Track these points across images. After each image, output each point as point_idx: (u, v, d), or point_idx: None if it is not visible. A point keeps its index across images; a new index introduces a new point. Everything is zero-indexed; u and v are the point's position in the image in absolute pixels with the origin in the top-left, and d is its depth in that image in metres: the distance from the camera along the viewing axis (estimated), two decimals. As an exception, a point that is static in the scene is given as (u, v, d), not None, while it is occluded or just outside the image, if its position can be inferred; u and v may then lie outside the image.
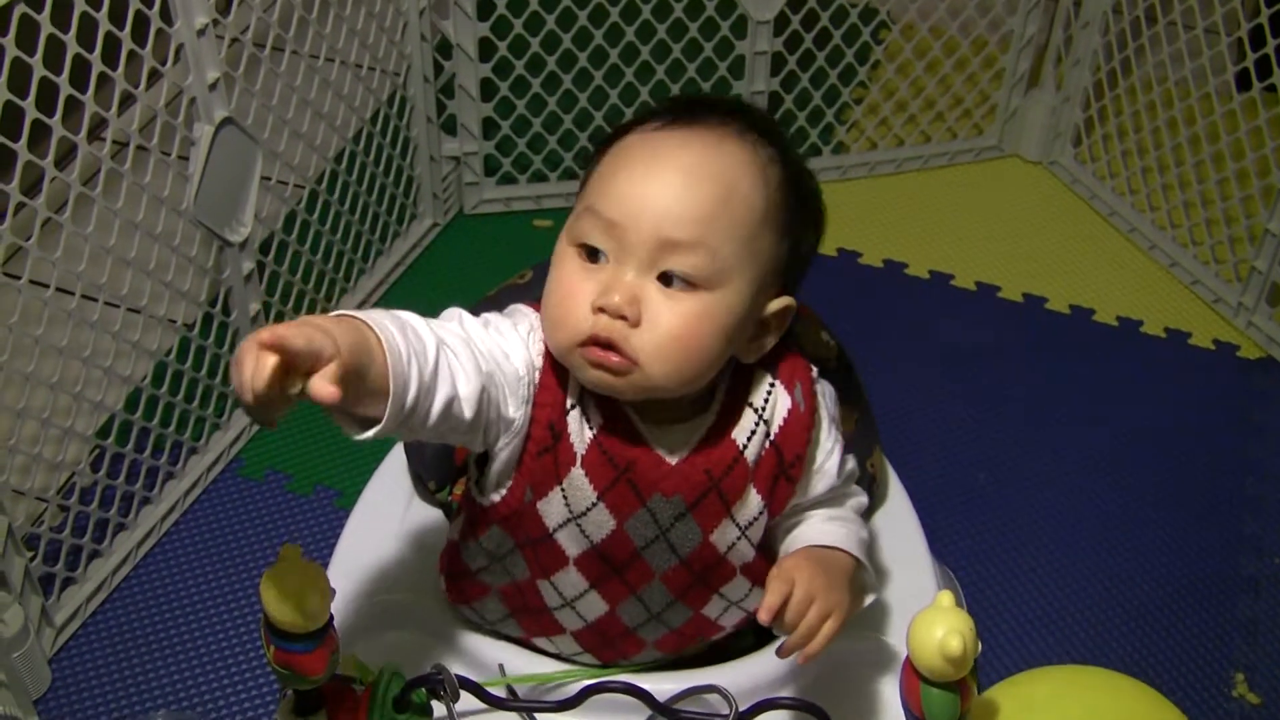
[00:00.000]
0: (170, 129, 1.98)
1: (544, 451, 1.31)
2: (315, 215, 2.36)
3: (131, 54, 1.86)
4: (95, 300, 1.94)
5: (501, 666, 1.39)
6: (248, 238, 2.14)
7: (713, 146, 1.27)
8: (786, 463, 1.35)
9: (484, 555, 1.40)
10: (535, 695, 1.39)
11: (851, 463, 1.42)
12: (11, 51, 1.66)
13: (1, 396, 1.82)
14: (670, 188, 1.24)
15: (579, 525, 1.34)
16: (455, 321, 1.29)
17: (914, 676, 1.18)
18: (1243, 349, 2.56)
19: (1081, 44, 2.79)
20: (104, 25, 1.80)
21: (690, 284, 1.24)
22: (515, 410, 1.30)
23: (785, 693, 1.36)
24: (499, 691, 1.36)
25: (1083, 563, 2.17)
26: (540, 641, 1.46)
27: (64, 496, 2.00)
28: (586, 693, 1.30)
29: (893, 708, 1.29)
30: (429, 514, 1.57)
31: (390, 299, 2.57)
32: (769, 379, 1.35)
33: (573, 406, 1.31)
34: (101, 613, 2.06)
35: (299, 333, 1.07)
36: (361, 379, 1.13)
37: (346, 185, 2.42)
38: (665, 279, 1.24)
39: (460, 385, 1.22)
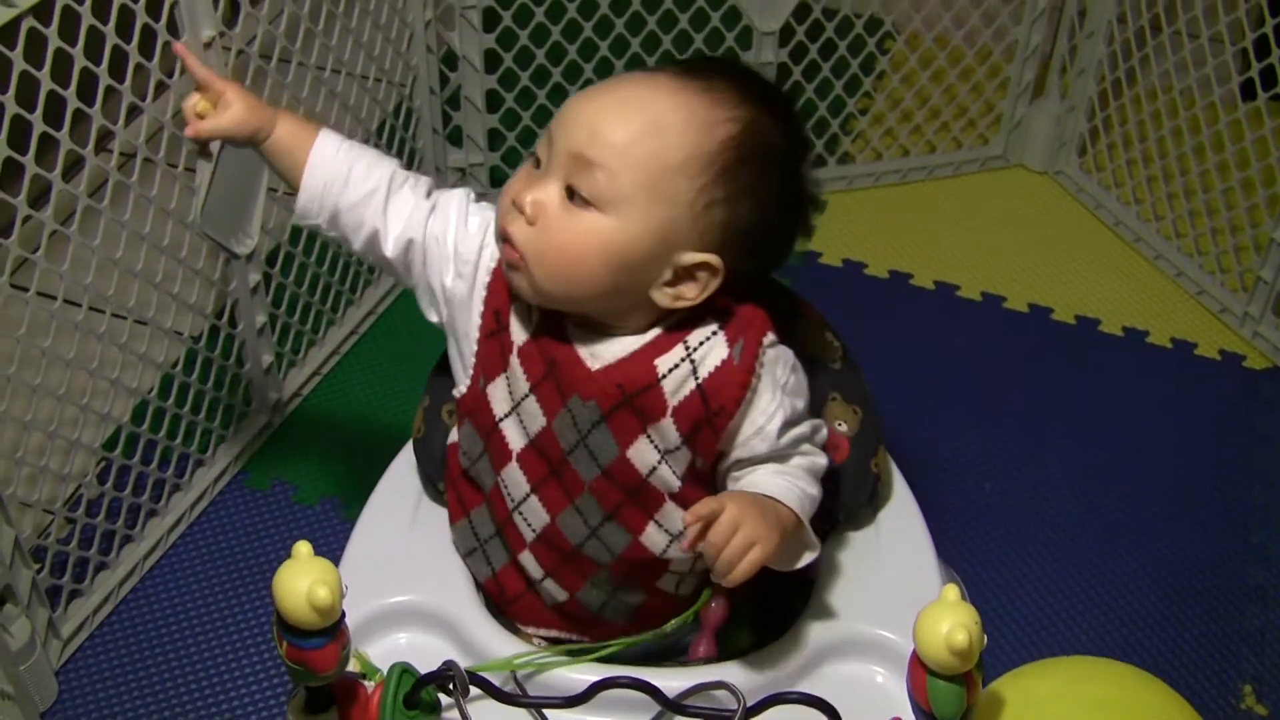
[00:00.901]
0: (177, 141, 1.98)
1: (491, 335, 1.43)
2: (322, 226, 2.36)
3: (138, 67, 1.86)
4: (102, 312, 1.94)
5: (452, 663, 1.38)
6: (254, 250, 2.14)
7: (668, 91, 1.33)
8: (711, 410, 1.37)
9: (466, 458, 1.50)
10: (545, 691, 1.39)
11: (800, 429, 1.41)
12: (20, 65, 1.66)
13: (9, 408, 1.82)
14: (600, 110, 1.32)
15: (518, 414, 1.42)
16: (432, 190, 1.49)
17: (921, 670, 1.19)
18: (1249, 359, 2.56)
19: (1086, 53, 2.79)
20: (111, 38, 1.80)
21: (587, 202, 1.31)
22: (453, 281, 1.44)
23: (793, 688, 1.36)
24: (509, 688, 1.37)
25: (1089, 573, 2.17)
26: (524, 560, 1.49)
27: (71, 508, 2.00)
28: (596, 688, 1.30)
29: (900, 702, 1.30)
30: (438, 515, 1.57)
31: (396, 310, 2.57)
32: (713, 328, 1.38)
33: (516, 298, 1.41)
34: (108, 625, 2.06)
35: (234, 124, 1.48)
36: (276, 160, 1.49)
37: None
38: (570, 191, 1.32)
39: (388, 226, 1.45)
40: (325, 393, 2.44)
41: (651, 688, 1.29)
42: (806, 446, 1.43)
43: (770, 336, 1.39)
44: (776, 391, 1.39)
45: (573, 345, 1.39)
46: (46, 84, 1.71)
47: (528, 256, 1.33)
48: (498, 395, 1.43)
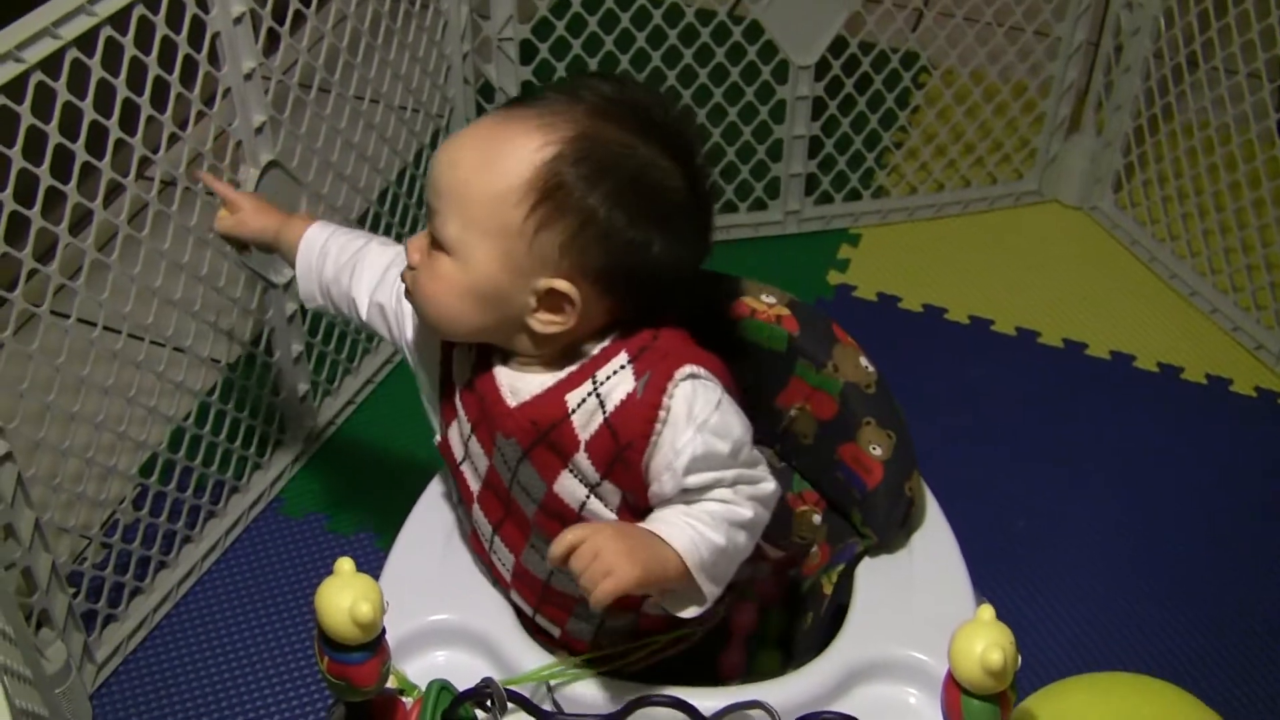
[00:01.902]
0: (217, 173, 2.00)
1: (443, 382, 1.47)
2: (358, 256, 2.37)
3: (179, 97, 1.88)
4: (141, 339, 1.96)
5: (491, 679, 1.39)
6: (291, 279, 2.15)
7: (500, 124, 1.35)
8: (621, 444, 1.36)
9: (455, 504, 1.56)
10: (581, 708, 1.40)
11: (715, 474, 1.36)
12: (63, 95, 1.68)
13: (47, 434, 1.83)
14: (441, 157, 1.36)
15: (470, 457, 1.46)
16: (399, 256, 1.52)
17: (955, 689, 1.19)
18: (1285, 396, 2.55)
19: (1122, 89, 2.79)
20: (153, 69, 1.82)
21: (439, 246, 1.35)
22: (414, 335, 1.50)
23: (827, 708, 1.36)
24: (546, 705, 1.37)
25: (1121, 609, 2.17)
26: (514, 598, 1.51)
27: (106, 534, 2.02)
28: (631, 706, 1.31)
29: (933, 720, 1.30)
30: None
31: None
32: (623, 360, 1.37)
33: (459, 344, 1.45)
34: (142, 650, 2.07)
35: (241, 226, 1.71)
36: (285, 255, 1.66)
37: (390, 227, 2.44)
38: (432, 239, 1.37)
39: (360, 293, 1.55)
40: (360, 422, 2.45)
41: (688, 706, 1.30)
42: (724, 493, 1.37)
43: (687, 369, 1.36)
44: (689, 427, 1.34)
45: (496, 383, 1.41)
46: (90, 113, 1.73)
47: (414, 298, 1.40)
48: (454, 439, 1.48)
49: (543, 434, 1.38)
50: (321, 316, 2.32)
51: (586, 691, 1.42)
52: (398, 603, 1.28)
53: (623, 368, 1.36)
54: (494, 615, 1.51)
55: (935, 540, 1.60)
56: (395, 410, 2.46)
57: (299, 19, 2.07)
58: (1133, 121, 2.81)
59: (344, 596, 1.17)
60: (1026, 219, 2.96)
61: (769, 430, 1.64)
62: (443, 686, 1.32)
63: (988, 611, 1.18)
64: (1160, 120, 2.78)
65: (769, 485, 1.41)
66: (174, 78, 1.86)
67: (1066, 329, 2.67)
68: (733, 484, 1.37)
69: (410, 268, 1.39)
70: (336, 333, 2.38)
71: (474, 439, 1.44)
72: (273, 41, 2.02)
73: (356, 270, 1.56)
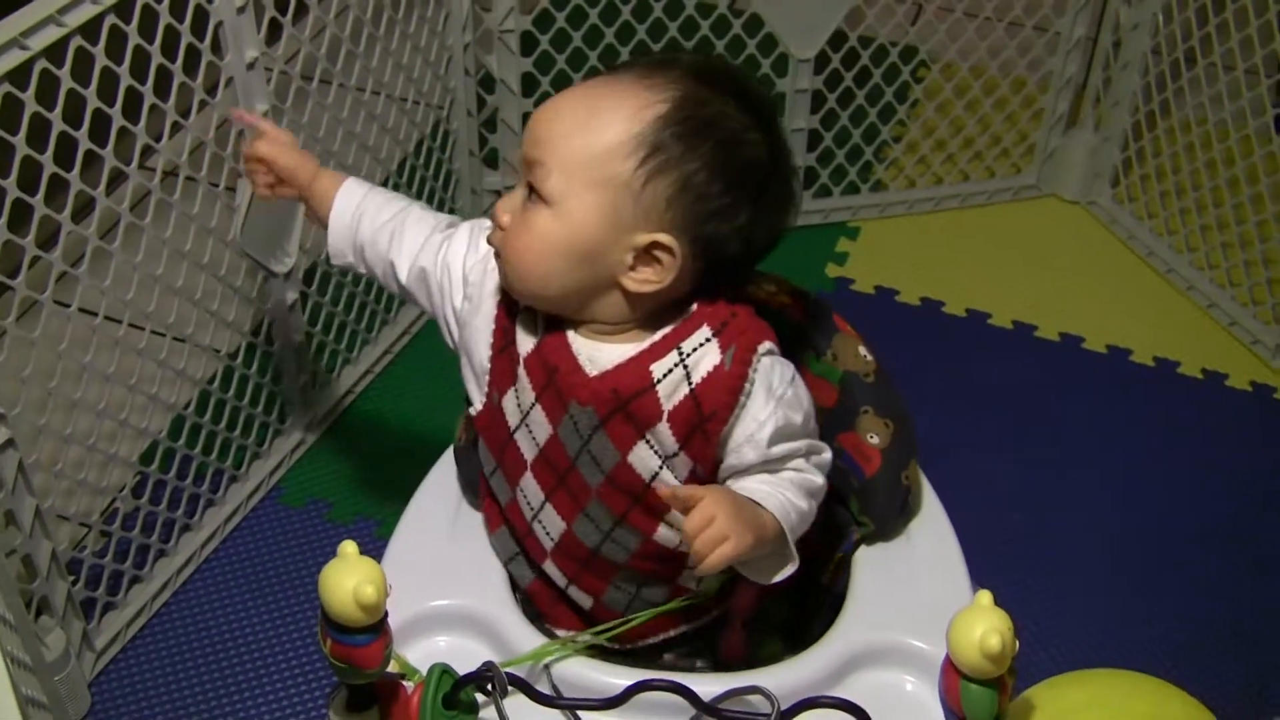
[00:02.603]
0: (218, 160, 2.01)
1: (502, 350, 1.46)
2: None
3: (182, 86, 1.89)
4: (142, 328, 1.96)
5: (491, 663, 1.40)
6: (292, 268, 2.16)
7: (605, 83, 1.39)
8: (704, 414, 1.38)
9: (485, 474, 1.55)
10: (581, 692, 1.40)
11: (794, 445, 1.43)
12: (67, 83, 1.68)
13: (48, 421, 1.84)
14: (544, 113, 1.38)
15: (527, 425, 1.45)
16: (453, 224, 1.54)
17: (954, 674, 1.20)
18: (1280, 391, 2.56)
19: (1121, 85, 2.80)
20: (156, 57, 1.83)
21: (540, 199, 1.36)
22: (462, 303, 1.49)
23: (826, 694, 1.37)
24: (546, 689, 1.38)
25: (1117, 603, 2.17)
26: (548, 569, 1.52)
27: (106, 522, 2.02)
28: (632, 691, 1.32)
29: (930, 710, 1.31)
30: (476, 520, 1.59)
31: (429, 330, 2.58)
32: (707, 334, 1.40)
33: (525, 309, 1.45)
34: (141, 638, 2.07)
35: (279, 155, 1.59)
36: (313, 203, 1.60)
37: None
38: (530, 192, 1.37)
39: (402, 256, 1.53)
40: (360, 411, 2.45)
41: (687, 690, 1.31)
42: (800, 463, 1.44)
43: (766, 345, 1.41)
44: (770, 400, 1.40)
45: (573, 352, 1.41)
46: (93, 101, 1.74)
47: (503, 259, 1.40)
48: (510, 408, 1.47)
49: (623, 403, 1.39)
50: (322, 307, 2.32)
51: (587, 676, 1.43)
52: (399, 588, 1.28)
53: (708, 340, 1.39)
54: (496, 600, 1.52)
55: (933, 528, 1.62)
56: (395, 399, 2.47)
57: (301, 9, 2.08)
58: (1131, 117, 2.82)
59: (348, 579, 1.18)
60: (1025, 213, 2.97)
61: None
62: (444, 670, 1.32)
63: (986, 597, 1.19)
64: (1158, 116, 2.79)
65: (828, 454, 1.48)
66: (177, 66, 1.87)
67: (1064, 323, 2.68)
68: (806, 454, 1.44)
69: (500, 229, 1.39)
70: (336, 322, 2.38)
71: (538, 408, 1.43)
72: (275, 31, 2.03)
73: (397, 235, 1.54)
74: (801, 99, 2.70)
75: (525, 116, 2.65)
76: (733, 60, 2.66)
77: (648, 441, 1.40)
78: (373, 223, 1.55)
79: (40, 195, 1.70)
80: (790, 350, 1.57)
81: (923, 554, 1.58)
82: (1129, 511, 2.32)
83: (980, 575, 1.54)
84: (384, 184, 2.37)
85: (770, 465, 1.42)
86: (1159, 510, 2.33)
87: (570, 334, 1.42)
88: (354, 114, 2.29)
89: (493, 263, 1.46)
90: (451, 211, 2.63)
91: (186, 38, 1.87)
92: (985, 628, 1.16)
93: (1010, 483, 2.36)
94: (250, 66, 1.96)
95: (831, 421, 1.58)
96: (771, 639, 1.64)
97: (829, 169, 2.85)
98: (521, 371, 1.44)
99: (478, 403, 1.50)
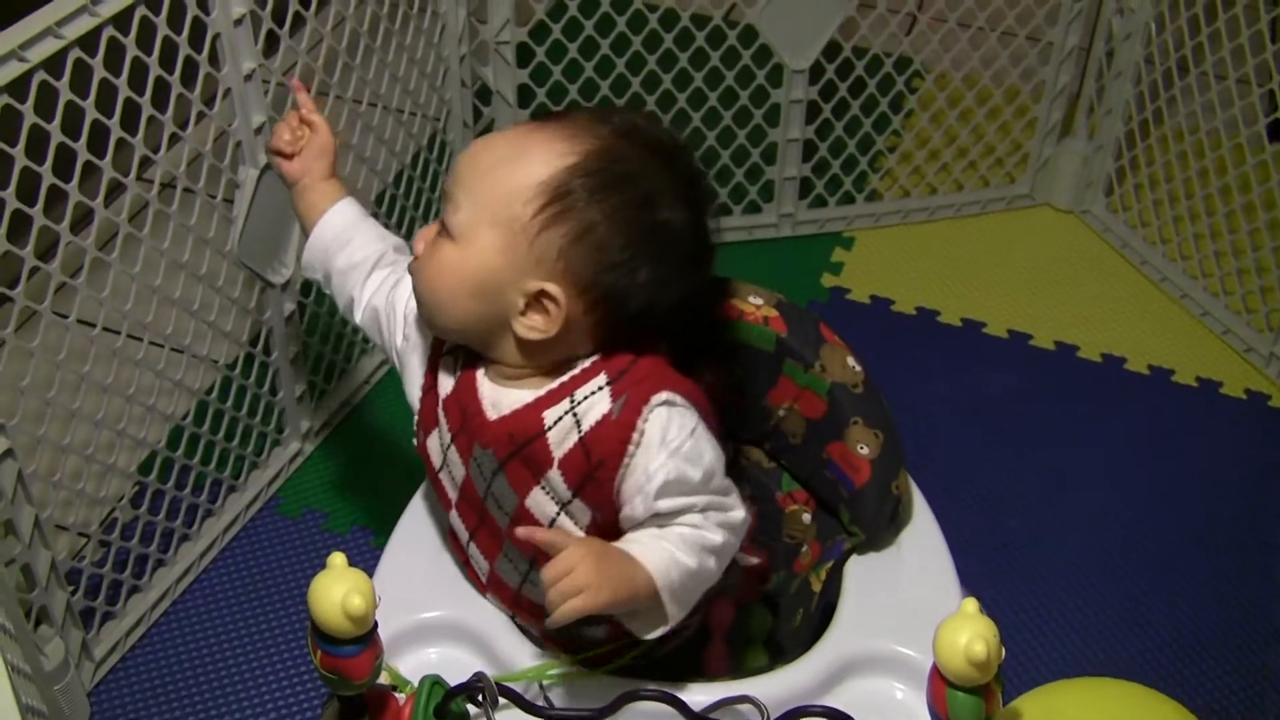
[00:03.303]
0: (216, 172, 2.02)
1: (427, 391, 1.49)
2: (355, 257, 2.38)
3: (179, 97, 1.90)
4: (140, 339, 1.97)
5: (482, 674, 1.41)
6: (289, 279, 2.17)
7: (529, 129, 1.40)
8: (593, 463, 1.38)
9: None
10: (571, 703, 1.42)
11: (687, 499, 1.38)
12: (65, 94, 1.69)
13: (47, 432, 1.85)
14: (470, 152, 1.41)
15: (448, 466, 1.48)
16: (401, 263, 1.57)
17: (940, 682, 1.21)
18: (1274, 398, 2.57)
19: (1114, 94, 2.81)
20: (154, 69, 1.84)
21: (448, 232, 1.38)
22: (402, 343, 1.53)
23: (815, 702, 1.38)
24: (537, 700, 1.39)
25: (1110, 609, 2.18)
26: (490, 599, 1.54)
27: (105, 532, 2.03)
28: (621, 701, 1.33)
29: (921, 717, 1.31)
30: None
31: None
32: (601, 381, 1.39)
33: (447, 351, 1.48)
34: (140, 648, 2.08)
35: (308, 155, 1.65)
36: (302, 205, 1.65)
37: (387, 227, 2.44)
38: (442, 228, 1.40)
39: (363, 296, 1.58)
40: (357, 422, 2.46)
41: (677, 700, 1.32)
42: (695, 518, 1.39)
43: (663, 395, 1.38)
44: (662, 452, 1.37)
45: (479, 394, 1.43)
46: (91, 113, 1.75)
47: (415, 287, 1.43)
48: (433, 448, 1.49)
49: (518, 447, 1.40)
50: (319, 317, 2.33)
51: (577, 686, 1.44)
52: (391, 599, 1.30)
53: (600, 389, 1.39)
54: (486, 612, 1.53)
55: (922, 538, 1.63)
56: (392, 410, 2.48)
57: (298, 21, 2.08)
58: (1124, 126, 2.83)
59: (336, 590, 1.19)
60: (1019, 222, 2.98)
61: (758, 429, 1.66)
62: (435, 681, 1.33)
63: (972, 604, 1.20)
64: (1151, 125, 2.80)
65: (739, 514, 1.43)
66: (175, 78, 1.87)
67: (1058, 332, 2.69)
68: (704, 510, 1.40)
69: (415, 257, 1.42)
70: (334, 333, 2.39)
71: (453, 448, 1.46)
72: (272, 43, 2.04)
73: (370, 274, 1.58)
74: (796, 109, 2.71)
75: (521, 127, 2.67)
76: (727, 70, 2.68)
77: (543, 487, 1.41)
78: (349, 258, 1.60)
79: (39, 206, 1.71)
80: (774, 363, 1.58)
81: (913, 563, 1.59)
82: (1122, 519, 2.33)
83: (973, 583, 1.55)
84: (380, 196, 2.41)
85: (660, 519, 1.39)
86: (1152, 518, 2.33)
87: (479, 375, 1.44)
88: (350, 125, 2.30)
89: None
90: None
91: (184, 49, 1.88)
92: (970, 635, 1.17)
93: (1004, 490, 2.37)
94: (248, 78, 1.97)
95: (820, 432, 1.60)
96: (757, 650, 1.65)
97: (824, 179, 2.86)
98: (440, 413, 1.47)
99: (417, 439, 1.53)
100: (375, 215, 2.35)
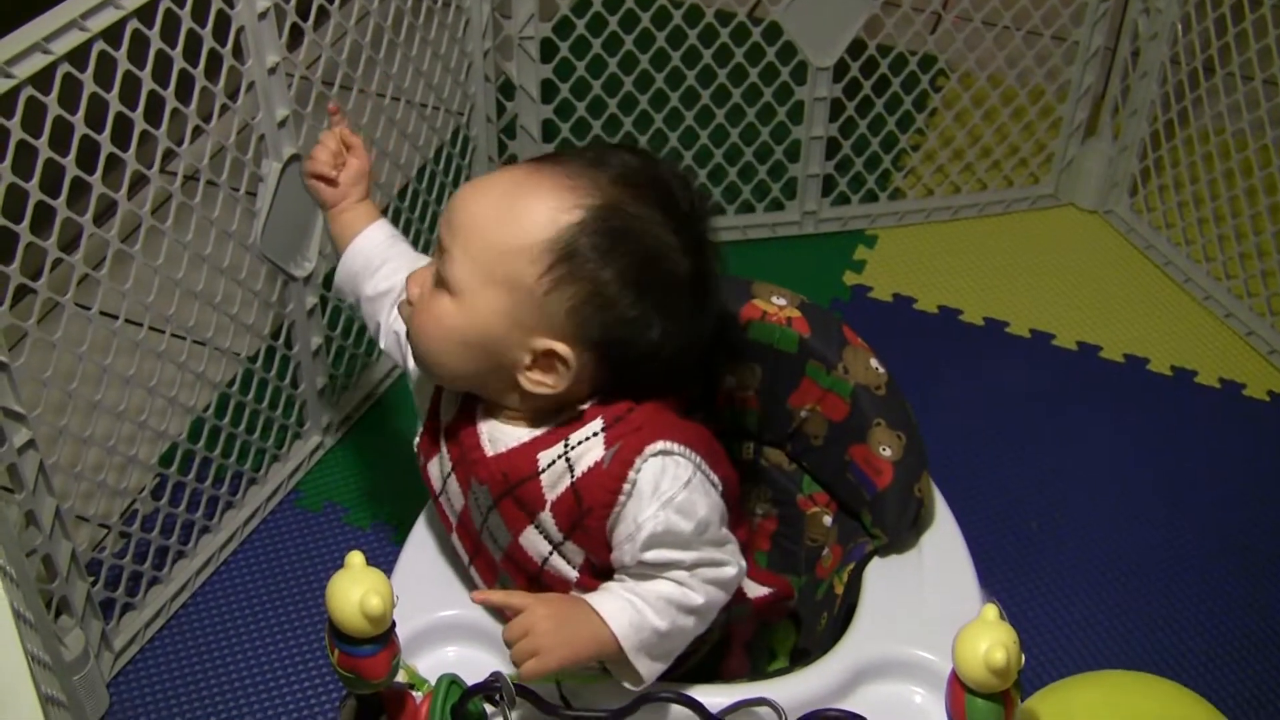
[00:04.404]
0: (240, 165, 2.02)
1: (429, 418, 1.50)
2: (377, 251, 2.38)
3: (204, 90, 1.90)
4: (162, 331, 1.98)
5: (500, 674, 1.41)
6: (312, 273, 2.17)
7: (526, 177, 1.36)
8: (583, 509, 1.38)
9: None
10: (589, 704, 1.41)
11: (676, 554, 1.36)
12: (89, 87, 1.70)
13: (68, 423, 1.85)
14: (462, 199, 1.37)
15: (446, 494, 1.49)
16: None
17: (959, 688, 1.21)
18: (1297, 401, 2.56)
19: (1139, 94, 2.80)
20: (178, 62, 1.84)
21: (445, 285, 1.36)
22: (413, 367, 1.51)
23: (833, 707, 1.38)
24: (554, 700, 1.39)
25: (1132, 611, 2.18)
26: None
27: (125, 523, 2.04)
28: (638, 702, 1.33)
29: (938, 719, 1.31)
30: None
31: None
32: (597, 427, 1.38)
33: None
34: (159, 639, 2.09)
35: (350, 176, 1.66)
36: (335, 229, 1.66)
37: (409, 222, 2.45)
38: (438, 277, 1.38)
39: (389, 322, 1.58)
40: (378, 416, 2.46)
41: (694, 702, 1.32)
42: (681, 574, 1.38)
43: (660, 445, 1.37)
44: (654, 503, 1.35)
45: (476, 430, 1.43)
46: (115, 105, 1.75)
47: (409, 333, 1.43)
48: (433, 474, 1.50)
49: (511, 487, 1.40)
50: (341, 310, 2.34)
51: (595, 687, 1.43)
52: (409, 598, 1.30)
53: (595, 434, 1.38)
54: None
55: (944, 541, 1.62)
56: (413, 406, 2.46)
57: (322, 15, 2.08)
58: (1149, 126, 2.82)
59: (354, 590, 1.19)
60: (1042, 222, 2.97)
61: (780, 431, 1.66)
62: (452, 680, 1.33)
63: (992, 611, 1.20)
64: (1176, 125, 2.79)
65: (730, 570, 1.41)
66: (198, 71, 1.88)
67: (1081, 332, 2.68)
68: (691, 566, 1.38)
69: (409, 303, 1.41)
70: (356, 327, 2.39)
71: (453, 478, 1.47)
72: (296, 37, 2.04)
73: (393, 300, 1.58)
74: (820, 107, 2.71)
75: (545, 123, 2.67)
76: (751, 67, 2.68)
77: (537, 527, 1.41)
78: (377, 285, 1.61)
79: (62, 198, 1.71)
80: (797, 365, 1.57)
81: (933, 567, 1.59)
82: (1144, 520, 2.32)
83: (994, 583, 1.55)
84: (403, 190, 2.41)
85: (644, 569, 1.37)
86: (1174, 519, 2.33)
87: (479, 413, 1.44)
88: (374, 120, 2.30)
89: None
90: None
91: (208, 43, 1.88)
92: (990, 642, 1.17)
93: (1026, 490, 2.36)
94: (271, 71, 1.97)
95: (843, 434, 1.59)
96: (781, 661, 1.65)
97: (847, 177, 2.86)
98: (441, 441, 1.48)
99: (420, 463, 1.54)
100: (399, 210, 2.38)
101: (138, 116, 1.80)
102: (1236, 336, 2.69)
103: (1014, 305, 2.74)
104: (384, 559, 2.14)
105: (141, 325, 1.93)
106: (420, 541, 1.61)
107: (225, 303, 2.08)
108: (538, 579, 1.44)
